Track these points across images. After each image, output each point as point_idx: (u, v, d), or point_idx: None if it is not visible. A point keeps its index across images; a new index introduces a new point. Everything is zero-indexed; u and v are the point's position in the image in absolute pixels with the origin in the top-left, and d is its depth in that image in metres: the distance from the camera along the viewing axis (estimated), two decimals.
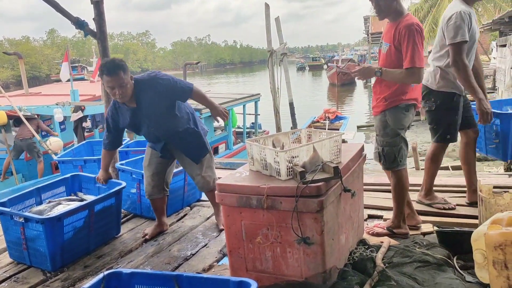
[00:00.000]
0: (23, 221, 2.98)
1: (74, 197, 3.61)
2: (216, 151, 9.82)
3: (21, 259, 3.15)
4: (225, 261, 2.98)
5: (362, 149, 3.10)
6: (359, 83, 43.45)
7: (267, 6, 9.80)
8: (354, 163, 2.85)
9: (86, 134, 9.83)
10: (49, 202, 3.45)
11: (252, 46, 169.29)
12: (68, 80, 10.24)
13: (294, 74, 62.24)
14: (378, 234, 3.15)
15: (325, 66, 64.36)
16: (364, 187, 3.45)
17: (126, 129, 3.50)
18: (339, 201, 2.56)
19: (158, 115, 3.19)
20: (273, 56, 9.97)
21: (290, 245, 2.41)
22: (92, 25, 4.07)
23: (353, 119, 16.61)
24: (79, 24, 3.90)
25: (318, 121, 14.71)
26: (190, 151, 3.39)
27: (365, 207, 3.47)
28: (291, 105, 11.06)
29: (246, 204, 2.45)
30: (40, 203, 3.45)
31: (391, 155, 3.03)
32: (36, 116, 8.37)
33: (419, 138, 13.09)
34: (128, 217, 4.03)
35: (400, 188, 3.10)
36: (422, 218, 3.34)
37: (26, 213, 3.08)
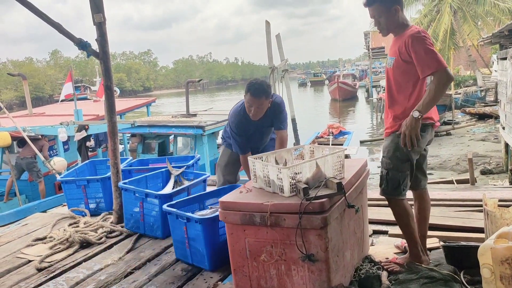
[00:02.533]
0: (186, 221, 3.23)
1: None
2: None
3: (184, 257, 3.37)
4: (230, 279, 2.95)
5: (365, 164, 3.09)
6: (361, 97, 43.67)
7: (267, 23, 9.91)
8: (357, 179, 2.84)
9: (89, 153, 9.88)
10: (211, 208, 3.61)
11: (254, 63, 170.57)
12: (70, 100, 10.31)
13: (296, 90, 62.60)
14: (396, 272, 2.78)
15: (326, 82, 64.73)
16: (368, 202, 3.43)
17: None
18: (343, 217, 2.54)
19: (266, 130, 3.99)
20: (275, 73, 10.04)
21: (295, 262, 2.38)
22: (95, 45, 4.12)
23: (356, 133, 16.61)
24: (82, 45, 3.95)
25: (322, 137, 14.71)
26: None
27: (369, 222, 3.45)
28: (293, 121, 11.07)
29: (249, 221, 2.44)
30: (203, 209, 3.67)
31: (395, 181, 2.77)
32: (40, 136, 8.41)
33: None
34: (132, 237, 4.00)
35: (404, 218, 2.84)
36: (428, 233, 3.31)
37: (188, 214, 3.29)
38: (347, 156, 9.06)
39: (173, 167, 4.64)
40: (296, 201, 2.35)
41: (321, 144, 13.08)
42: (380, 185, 2.88)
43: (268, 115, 3.77)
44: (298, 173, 2.54)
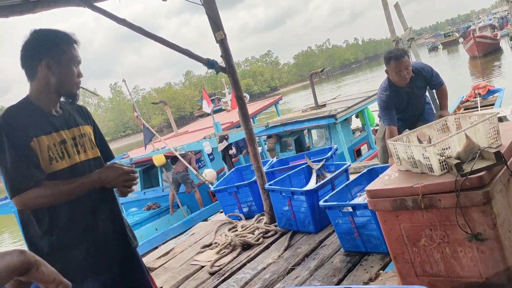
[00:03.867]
0: (351, 210, 3.21)
1: None
2: (359, 153, 9.62)
3: (355, 248, 3.34)
4: (391, 267, 2.87)
5: None
6: (506, 48, 38.58)
7: None
8: None
9: (233, 159, 10.58)
10: (360, 195, 3.57)
11: (375, 39, 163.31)
12: (208, 115, 11.11)
13: (427, 56, 57.99)
14: None
15: (460, 40, 58.68)
16: None
17: None
18: (509, 188, 2.28)
19: (420, 96, 4.18)
20: (400, 44, 9.46)
21: (460, 243, 2.22)
22: (220, 60, 4.40)
23: (509, 89, 14.63)
24: (210, 64, 4.24)
25: (467, 100, 13.27)
26: (429, 118, 4.21)
27: None
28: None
29: (401, 206, 2.34)
30: (352, 198, 3.64)
31: None
32: (189, 152, 9.29)
33: None
34: (286, 234, 4.16)
35: None
36: None
37: (352, 202, 3.34)
38: (501, 120, 8.09)
39: (312, 161, 4.70)
40: (449, 179, 2.18)
41: (467, 109, 11.92)
42: None
43: (414, 78, 3.96)
44: (447, 148, 2.35)
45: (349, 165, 4.36)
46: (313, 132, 10.17)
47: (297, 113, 10.78)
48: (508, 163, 2.21)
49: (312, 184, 4.32)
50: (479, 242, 2.14)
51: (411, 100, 4.13)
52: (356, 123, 11.09)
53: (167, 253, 4.73)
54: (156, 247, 5.48)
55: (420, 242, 2.35)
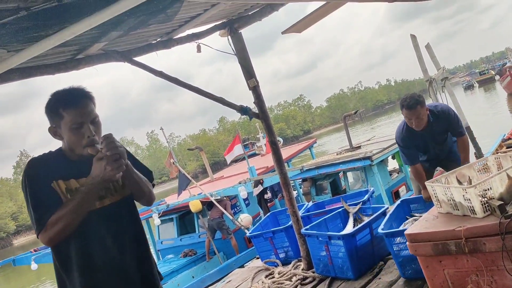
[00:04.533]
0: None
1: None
2: (397, 195, 9.38)
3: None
4: None
5: None
6: None
7: (413, 37, 9.45)
8: None
9: (268, 204, 10.53)
10: None
11: (407, 79, 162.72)
12: (242, 159, 11.22)
13: (462, 95, 57.06)
14: None
15: (497, 77, 57.57)
16: None
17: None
18: None
19: (439, 137, 4.12)
20: (433, 84, 9.39)
21: None
22: (253, 106, 4.50)
23: None
24: (243, 110, 4.34)
25: (509, 138, 12.87)
26: (456, 160, 4.13)
27: None
28: (468, 129, 10.05)
29: (444, 251, 2.26)
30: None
31: None
32: (225, 198, 9.34)
33: None
34: (324, 281, 4.04)
35: None
36: None
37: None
38: None
39: (349, 204, 4.63)
40: (493, 221, 2.11)
41: (510, 147, 11.50)
42: None
43: (432, 123, 3.93)
44: (488, 189, 2.29)
45: (387, 208, 4.26)
46: (349, 174, 10.04)
47: (332, 155, 10.71)
48: None
49: (349, 228, 4.23)
50: None
51: (428, 143, 4.13)
52: (392, 164, 10.88)
53: None
54: None
55: None
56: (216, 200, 8.93)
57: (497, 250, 2.06)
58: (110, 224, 1.96)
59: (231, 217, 8.69)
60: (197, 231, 10.14)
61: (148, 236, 10.50)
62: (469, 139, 4.28)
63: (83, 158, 1.92)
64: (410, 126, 3.94)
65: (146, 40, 3.68)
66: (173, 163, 9.84)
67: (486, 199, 2.24)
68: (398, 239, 3.39)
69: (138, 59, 3.75)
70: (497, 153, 7.43)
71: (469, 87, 73.83)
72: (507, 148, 11.49)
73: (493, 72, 68.56)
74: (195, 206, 9.05)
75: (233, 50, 4.27)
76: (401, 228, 3.49)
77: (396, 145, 9.38)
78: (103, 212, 1.95)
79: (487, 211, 2.22)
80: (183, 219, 10.74)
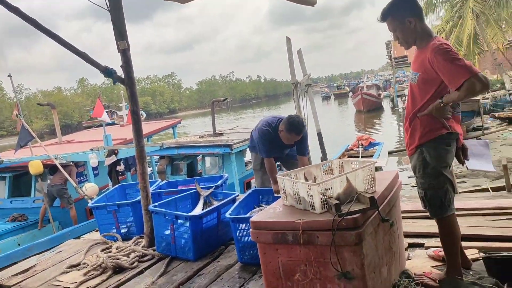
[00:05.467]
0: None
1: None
2: (248, 186, 9.79)
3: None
4: None
5: (397, 176, 3.01)
6: (386, 107, 43.09)
7: (288, 39, 9.94)
8: (390, 191, 2.76)
9: (119, 177, 10.04)
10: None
11: (276, 79, 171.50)
12: (98, 126, 10.56)
13: (320, 104, 62.36)
14: (428, 286, 2.67)
15: (350, 94, 64.33)
16: (402, 214, 3.33)
17: None
18: (378, 232, 2.47)
19: (288, 149, 4.80)
20: (298, 88, 10.02)
21: (331, 281, 2.32)
22: (120, 72, 4.20)
23: (384, 144, 16.33)
24: (108, 72, 4.03)
25: (352, 149, 14.50)
26: (295, 161, 4.78)
27: (404, 236, 3.34)
28: (319, 135, 10.98)
29: (282, 240, 2.40)
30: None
31: (437, 200, 2.65)
32: (71, 163, 8.61)
33: None
34: (164, 260, 4.00)
35: (450, 237, 2.71)
36: (465, 244, 3.18)
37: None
38: (377, 169, 8.90)
39: (202, 187, 4.65)
40: (328, 217, 2.30)
41: (351, 157, 12.96)
42: (424, 207, 2.78)
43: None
44: (329, 188, 2.49)
45: (237, 195, 4.40)
46: (207, 159, 10.15)
47: (194, 138, 10.71)
48: (379, 209, 2.40)
49: (198, 210, 4.25)
50: (347, 280, 2.26)
51: (281, 150, 4.75)
52: (250, 156, 11.32)
53: (26, 270, 4.22)
54: (15, 263, 4.86)
55: (295, 276, 2.42)
56: (61, 164, 8.17)
57: (327, 244, 2.25)
58: None
59: (74, 185, 8.05)
60: (32, 195, 9.17)
61: None
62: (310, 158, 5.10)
63: None
64: (282, 139, 4.45)
65: None
66: (17, 115, 8.72)
67: (325, 197, 2.44)
68: (242, 226, 3.52)
69: None
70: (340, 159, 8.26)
71: (326, 98, 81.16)
72: (348, 157, 12.91)
73: (347, 89, 76.57)
74: (35, 167, 8.09)
75: (107, 5, 3.92)
76: (247, 215, 3.63)
77: None
78: None
79: (324, 208, 2.42)
80: (19, 180, 9.58)
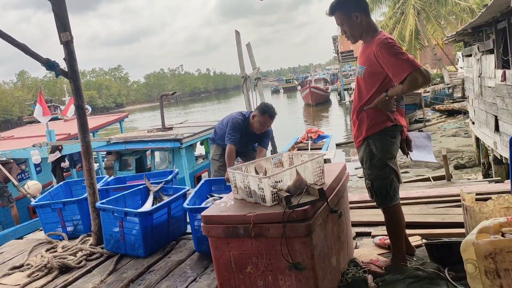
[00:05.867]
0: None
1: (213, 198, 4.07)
2: (199, 180, 9.72)
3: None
4: None
5: (344, 168, 3.11)
6: (334, 101, 44.22)
7: (237, 33, 9.94)
8: (338, 183, 2.85)
9: (64, 174, 9.63)
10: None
11: (226, 72, 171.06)
12: (50, 120, 10.08)
13: (269, 97, 62.92)
14: (375, 273, 2.77)
15: (298, 87, 65.35)
16: (350, 205, 3.44)
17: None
18: (327, 223, 2.54)
19: (253, 141, 5.05)
20: (247, 81, 10.06)
21: (282, 272, 2.36)
22: (63, 64, 4.03)
23: (332, 137, 16.79)
24: (50, 65, 3.85)
25: (301, 142, 14.79)
26: (254, 152, 5.11)
27: (352, 225, 3.46)
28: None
29: (233, 234, 2.41)
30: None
31: (383, 190, 2.76)
32: (11, 160, 8.17)
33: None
34: (113, 258, 3.90)
35: (395, 225, 2.83)
36: (409, 231, 3.34)
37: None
38: (326, 161, 9.15)
39: (151, 183, 4.57)
40: (279, 210, 2.33)
41: (300, 149, 13.22)
42: (371, 197, 2.88)
43: (261, 134, 4.86)
44: (279, 181, 2.53)
45: (188, 190, 4.36)
46: (156, 154, 9.97)
47: (142, 132, 10.47)
48: (328, 200, 2.46)
49: (147, 206, 4.17)
50: (298, 271, 2.31)
51: (247, 142, 5.00)
52: (200, 150, 11.25)
53: None
54: None
55: (247, 269, 2.44)
56: (0, 161, 7.73)
57: (278, 236, 2.28)
58: None
59: (15, 183, 7.65)
60: None
61: None
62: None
63: None
64: (254, 127, 4.76)
65: None
66: None
67: (276, 190, 2.47)
68: (199, 216, 3.49)
69: None
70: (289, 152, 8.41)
71: (276, 91, 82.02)
72: (298, 150, 13.14)
73: (296, 82, 77.74)
74: None
75: None
76: (203, 205, 3.63)
77: (206, 132, 9.77)
78: None
79: (275, 201, 2.45)
80: None
